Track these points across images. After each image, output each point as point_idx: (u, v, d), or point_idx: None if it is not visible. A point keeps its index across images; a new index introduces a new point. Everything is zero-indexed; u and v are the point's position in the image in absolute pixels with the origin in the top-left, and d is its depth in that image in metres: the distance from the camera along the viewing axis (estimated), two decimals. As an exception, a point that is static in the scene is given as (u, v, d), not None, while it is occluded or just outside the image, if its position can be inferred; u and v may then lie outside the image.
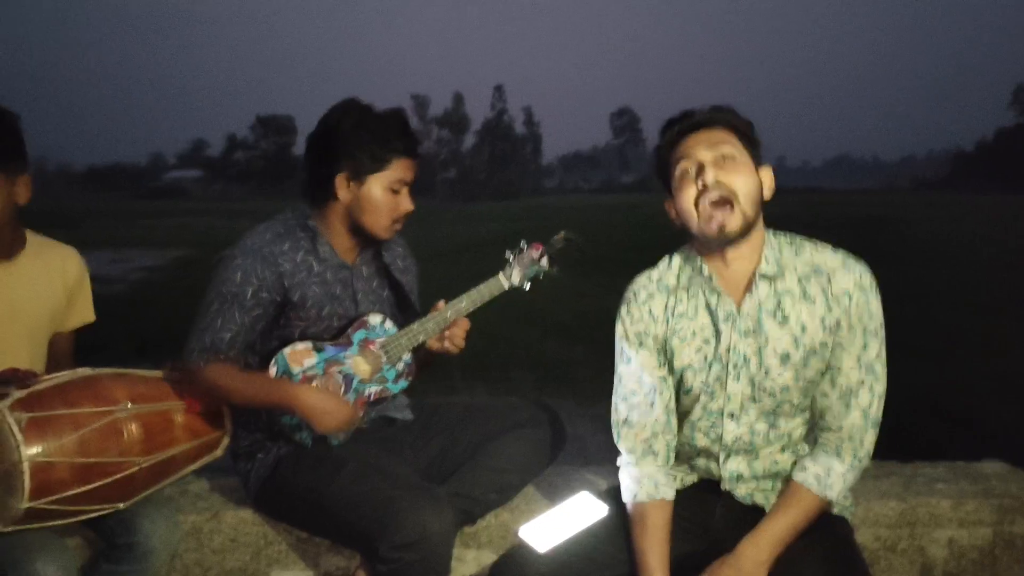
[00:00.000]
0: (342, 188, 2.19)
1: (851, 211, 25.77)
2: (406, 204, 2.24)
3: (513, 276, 2.33)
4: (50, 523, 2.03)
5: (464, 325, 2.31)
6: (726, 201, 1.82)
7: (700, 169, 1.84)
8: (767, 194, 1.89)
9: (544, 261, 2.35)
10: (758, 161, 1.89)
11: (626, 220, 29.36)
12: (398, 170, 2.20)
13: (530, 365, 6.98)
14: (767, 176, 1.90)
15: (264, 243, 2.19)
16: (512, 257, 2.34)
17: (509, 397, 2.53)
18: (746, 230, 1.85)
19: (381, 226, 2.24)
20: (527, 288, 2.35)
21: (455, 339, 2.31)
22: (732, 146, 1.85)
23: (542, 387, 6.68)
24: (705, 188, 1.83)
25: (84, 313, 2.40)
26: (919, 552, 2.49)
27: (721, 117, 1.88)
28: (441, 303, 2.30)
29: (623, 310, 2.00)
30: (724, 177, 1.83)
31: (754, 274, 1.89)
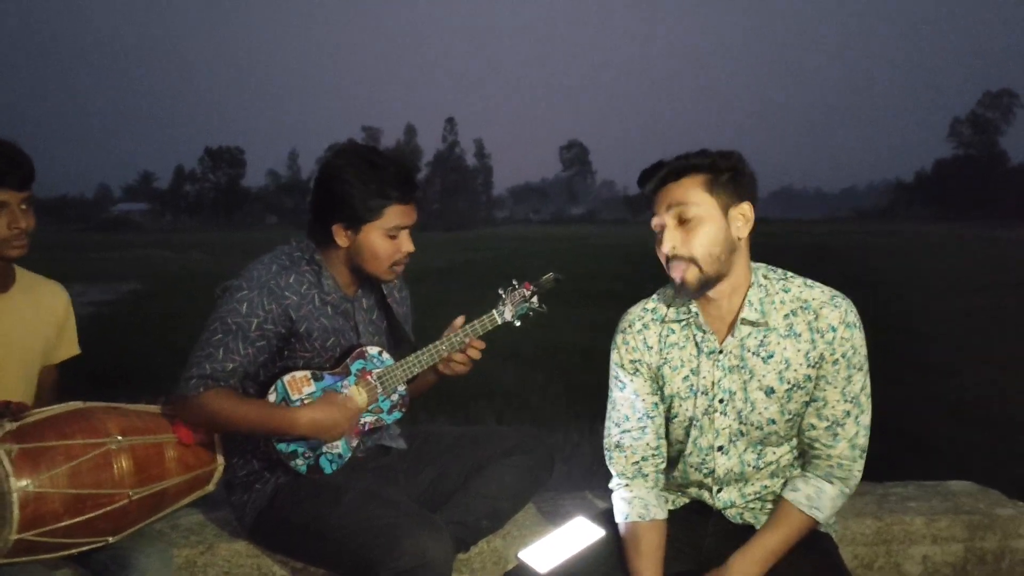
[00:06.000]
0: (340, 236, 2.23)
1: (795, 240, 26.30)
2: (406, 246, 2.27)
3: (506, 313, 2.40)
4: (40, 556, 2.01)
5: (478, 345, 2.38)
6: (687, 260, 1.87)
7: (662, 231, 1.90)
8: (742, 232, 1.89)
9: (535, 300, 2.42)
10: (731, 199, 1.87)
11: (576, 251, 29.67)
12: (393, 217, 2.22)
13: (488, 394, 7.00)
14: (742, 213, 1.89)
15: (270, 275, 2.21)
16: (504, 294, 2.41)
17: (500, 425, 2.58)
18: (707, 283, 1.89)
19: (381, 270, 2.27)
20: (518, 324, 2.42)
21: (473, 354, 2.38)
22: (694, 201, 1.85)
23: (500, 415, 6.73)
24: (663, 249, 1.89)
25: (70, 347, 2.40)
26: (895, 569, 2.57)
27: (684, 165, 1.87)
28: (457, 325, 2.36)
29: (619, 339, 2.06)
30: (680, 243, 1.86)
31: (737, 316, 1.94)
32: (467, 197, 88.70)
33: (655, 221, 1.91)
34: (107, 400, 2.20)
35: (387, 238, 2.23)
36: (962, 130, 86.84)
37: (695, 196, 1.85)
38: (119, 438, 2.09)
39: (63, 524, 1.97)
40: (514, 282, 2.42)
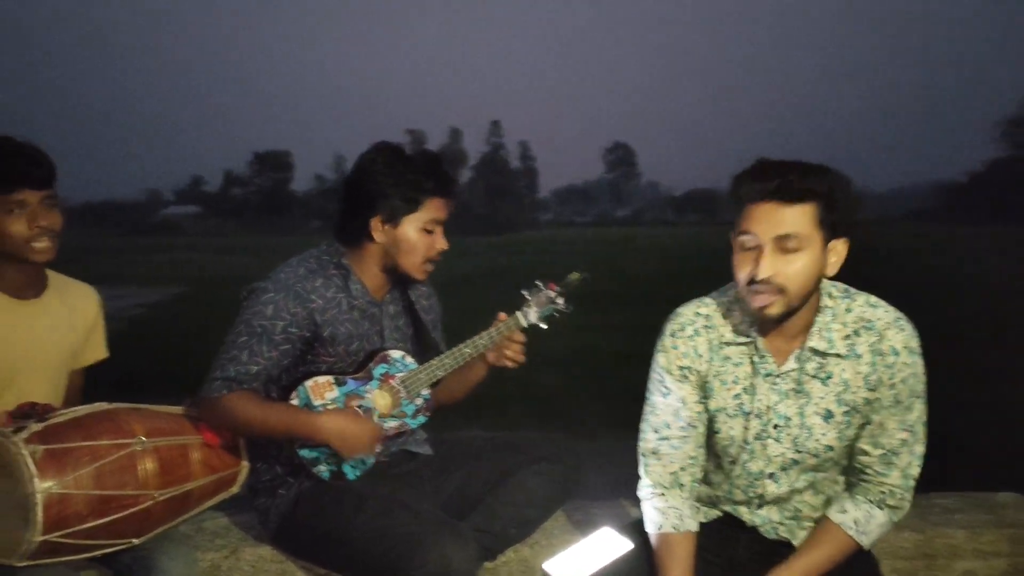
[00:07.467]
0: (377, 230, 2.23)
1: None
2: (440, 243, 2.27)
3: (530, 315, 2.34)
4: (65, 558, 2.01)
5: (519, 339, 2.33)
6: (775, 289, 1.74)
7: (759, 252, 1.73)
8: (832, 270, 1.78)
9: (560, 300, 2.37)
10: (833, 232, 1.74)
11: (622, 253, 29.51)
12: (431, 210, 2.24)
13: (526, 400, 6.95)
14: (838, 250, 1.77)
15: (297, 279, 2.20)
16: (529, 296, 2.35)
17: (534, 431, 2.53)
18: (789, 314, 1.77)
19: (416, 266, 2.27)
20: (544, 327, 2.36)
21: (516, 354, 2.34)
22: (803, 225, 1.70)
23: (539, 422, 6.68)
24: (756, 274, 1.73)
25: (98, 350, 2.41)
26: (937, 584, 2.48)
27: (803, 189, 1.69)
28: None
29: (668, 342, 1.94)
30: (778, 270, 1.72)
31: (802, 342, 1.83)
32: (512, 200, 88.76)
33: (747, 239, 1.74)
34: (138, 402, 2.21)
35: (423, 232, 2.24)
36: (1013, 131, 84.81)
37: (805, 227, 1.70)
38: (144, 439, 2.09)
39: (87, 526, 1.97)
40: (538, 283, 2.37)
